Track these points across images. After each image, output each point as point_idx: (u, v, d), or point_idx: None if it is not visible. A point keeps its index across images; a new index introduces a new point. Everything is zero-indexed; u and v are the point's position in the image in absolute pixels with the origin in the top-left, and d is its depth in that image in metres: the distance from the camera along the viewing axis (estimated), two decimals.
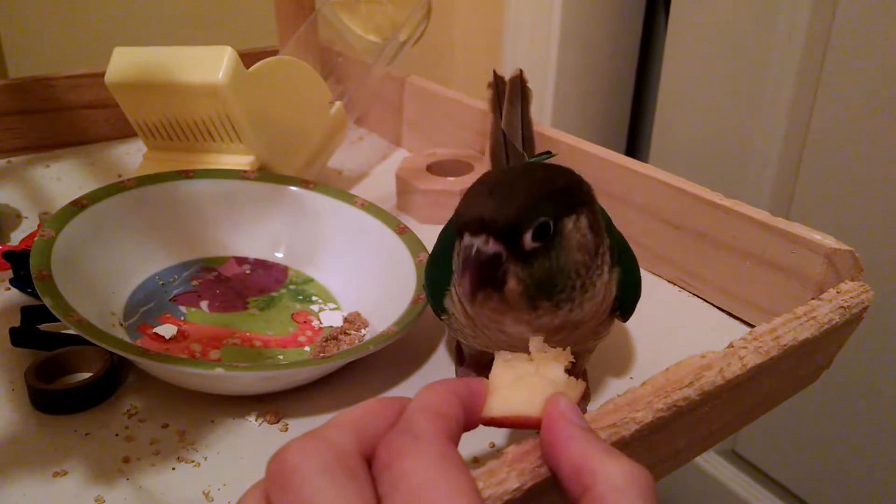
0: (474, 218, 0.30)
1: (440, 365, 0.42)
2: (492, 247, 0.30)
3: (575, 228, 0.31)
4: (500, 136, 0.49)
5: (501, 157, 0.48)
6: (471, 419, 0.26)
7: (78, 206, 0.43)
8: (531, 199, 0.30)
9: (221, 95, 0.50)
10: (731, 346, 0.34)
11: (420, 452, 0.22)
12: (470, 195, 0.31)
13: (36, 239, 0.40)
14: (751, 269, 0.45)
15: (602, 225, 0.33)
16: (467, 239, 0.30)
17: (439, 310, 0.37)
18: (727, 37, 0.93)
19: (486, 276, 0.30)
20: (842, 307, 0.38)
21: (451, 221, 0.40)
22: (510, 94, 0.52)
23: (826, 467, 0.97)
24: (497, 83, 0.54)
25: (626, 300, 0.36)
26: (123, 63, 0.54)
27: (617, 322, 0.46)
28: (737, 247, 0.45)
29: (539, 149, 0.53)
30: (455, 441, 0.24)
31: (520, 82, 0.52)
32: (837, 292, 0.39)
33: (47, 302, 0.36)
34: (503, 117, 0.50)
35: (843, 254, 0.41)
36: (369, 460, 0.23)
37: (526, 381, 0.27)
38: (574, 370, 0.30)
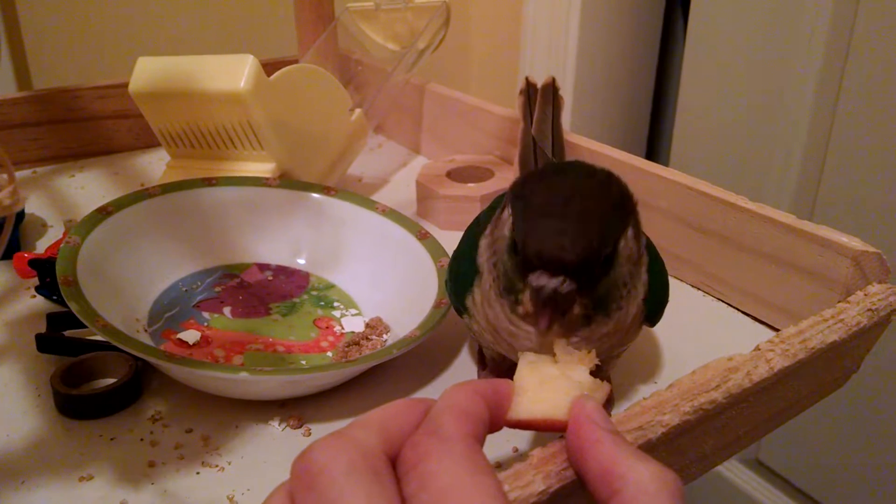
0: (553, 258, 0.29)
1: (462, 369, 0.42)
2: (568, 285, 0.29)
3: (625, 242, 0.32)
4: (531, 142, 0.49)
5: (531, 164, 0.48)
6: (496, 421, 0.26)
7: (103, 213, 0.44)
8: (603, 231, 0.30)
9: (243, 103, 0.51)
10: (757, 348, 0.33)
11: (446, 453, 0.22)
12: (538, 219, 0.30)
13: (62, 245, 0.40)
14: (776, 272, 0.45)
15: (641, 229, 0.34)
16: (545, 279, 0.29)
17: (461, 307, 0.37)
18: (748, 38, 0.92)
19: (561, 313, 0.30)
20: (869, 310, 0.37)
21: (477, 220, 0.40)
22: (541, 102, 0.51)
23: (851, 476, 0.96)
24: (528, 90, 0.53)
25: (653, 304, 0.36)
26: (147, 72, 0.55)
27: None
28: (762, 250, 0.45)
29: (568, 156, 0.53)
30: (481, 442, 0.24)
31: (552, 90, 0.52)
32: (865, 295, 0.38)
33: (73, 307, 0.36)
34: (533, 124, 0.50)
35: (870, 256, 0.40)
36: (394, 461, 0.23)
37: (551, 383, 0.27)
38: (599, 374, 0.29)
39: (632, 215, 0.33)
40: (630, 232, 0.32)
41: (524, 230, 0.30)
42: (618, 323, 0.33)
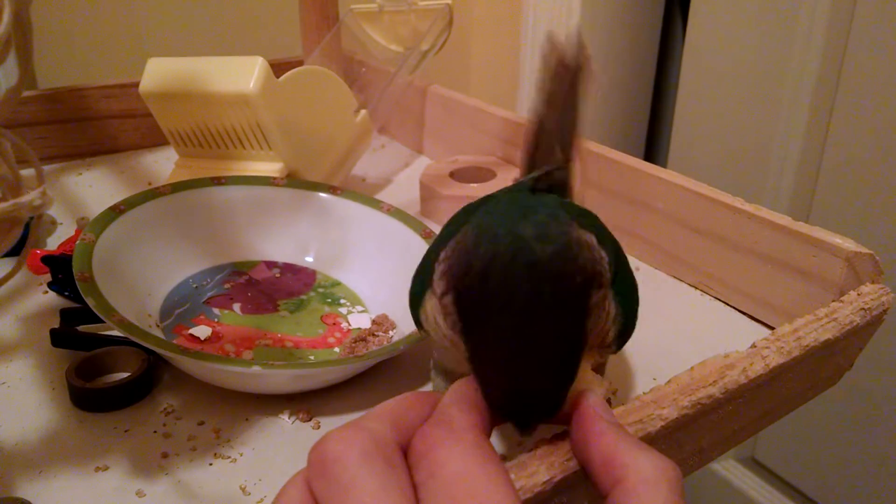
0: (525, 419, 0.26)
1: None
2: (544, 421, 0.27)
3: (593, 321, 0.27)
4: (538, 136, 0.40)
5: (530, 164, 0.39)
6: None
7: (116, 211, 0.45)
8: (574, 368, 0.26)
9: (252, 104, 0.52)
10: (753, 346, 0.34)
11: (455, 442, 0.23)
12: (500, 375, 0.25)
13: (77, 242, 0.41)
14: (772, 272, 0.46)
15: (606, 271, 0.28)
16: (521, 434, 0.26)
17: (417, 324, 0.33)
18: (746, 40, 0.93)
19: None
20: (862, 309, 0.39)
21: (449, 224, 0.36)
22: (567, 78, 0.39)
23: (846, 474, 0.97)
24: (553, 58, 0.40)
25: (622, 334, 0.32)
26: (157, 73, 0.56)
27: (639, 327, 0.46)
28: (758, 251, 0.46)
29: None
30: (487, 433, 0.25)
31: (581, 60, 0.39)
32: (858, 294, 0.39)
33: (90, 302, 0.37)
34: (549, 107, 0.40)
35: (863, 257, 0.41)
36: (405, 451, 0.24)
37: None
38: (599, 370, 0.30)
39: (592, 289, 0.26)
40: (591, 310, 0.26)
41: (485, 383, 0.26)
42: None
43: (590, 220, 0.32)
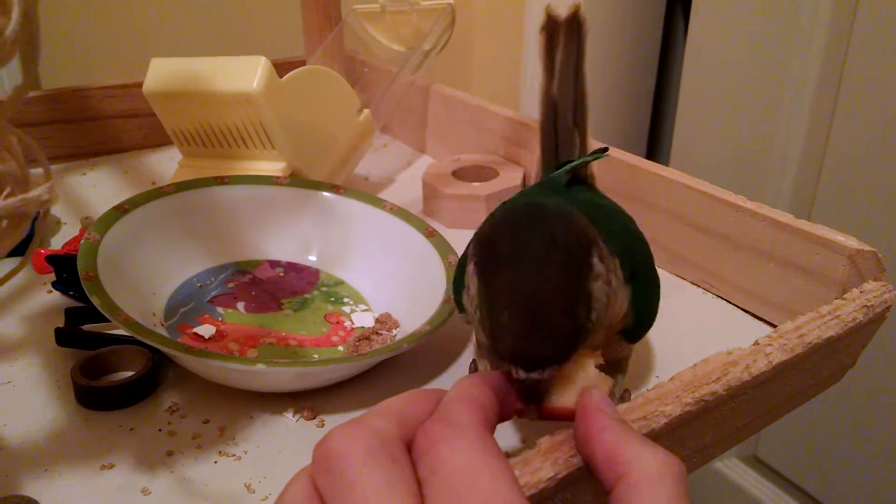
0: (527, 359, 0.27)
1: (469, 364, 0.43)
2: (550, 371, 0.28)
3: (598, 285, 0.29)
4: (551, 108, 0.42)
5: (551, 139, 0.42)
6: (505, 410, 0.27)
7: (120, 210, 0.45)
8: (574, 308, 0.28)
9: (255, 103, 0.52)
10: (756, 343, 0.35)
11: (458, 438, 0.23)
12: (503, 316, 0.27)
13: (82, 242, 0.41)
14: (774, 270, 0.46)
15: (605, 253, 0.30)
16: (523, 374, 0.27)
17: (460, 308, 0.36)
18: (748, 38, 0.93)
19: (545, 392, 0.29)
20: (865, 306, 0.39)
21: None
22: (566, 43, 0.41)
23: (849, 472, 0.97)
24: (550, 26, 0.42)
25: (636, 322, 0.34)
26: (160, 73, 0.56)
27: None
28: (760, 249, 0.46)
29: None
30: (491, 430, 0.25)
31: (576, 24, 0.41)
32: (861, 292, 0.40)
33: (95, 301, 0.37)
34: (556, 78, 0.42)
35: (865, 254, 0.42)
36: (409, 447, 0.24)
37: (559, 375, 0.28)
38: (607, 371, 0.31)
39: (592, 253, 0.29)
40: (595, 270, 0.29)
41: (490, 329, 0.28)
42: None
43: (606, 225, 0.32)
